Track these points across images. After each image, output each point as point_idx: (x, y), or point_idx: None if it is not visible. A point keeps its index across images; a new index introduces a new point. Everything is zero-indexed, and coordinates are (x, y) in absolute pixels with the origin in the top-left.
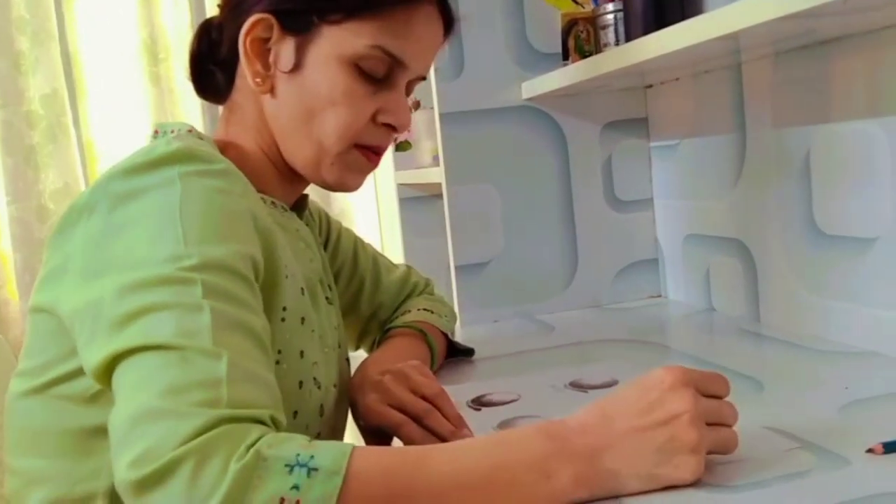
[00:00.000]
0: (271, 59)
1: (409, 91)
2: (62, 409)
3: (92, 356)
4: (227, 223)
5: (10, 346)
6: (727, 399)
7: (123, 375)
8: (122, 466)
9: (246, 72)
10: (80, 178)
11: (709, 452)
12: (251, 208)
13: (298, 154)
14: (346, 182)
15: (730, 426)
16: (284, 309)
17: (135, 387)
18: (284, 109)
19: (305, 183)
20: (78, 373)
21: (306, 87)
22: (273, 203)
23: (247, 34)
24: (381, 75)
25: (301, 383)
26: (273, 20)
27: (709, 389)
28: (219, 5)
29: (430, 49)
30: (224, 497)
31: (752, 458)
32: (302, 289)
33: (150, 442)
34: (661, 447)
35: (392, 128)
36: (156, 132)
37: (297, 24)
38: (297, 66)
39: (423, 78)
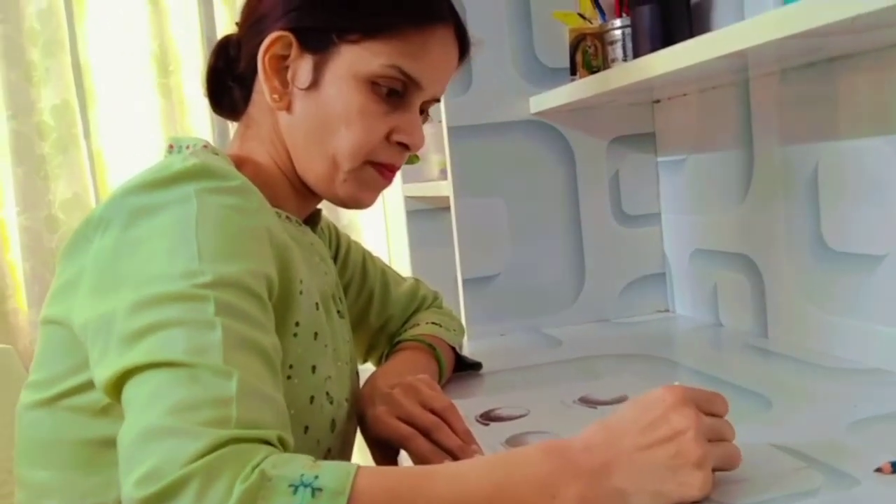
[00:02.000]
0: (289, 75)
1: (423, 112)
2: (72, 420)
3: (103, 371)
4: (242, 241)
5: (19, 356)
6: (725, 418)
7: (133, 392)
8: (129, 484)
9: (263, 88)
10: (89, 188)
11: (714, 469)
12: (267, 225)
13: (312, 170)
14: (359, 198)
15: (731, 442)
16: (297, 324)
17: (144, 404)
18: (300, 125)
19: (319, 197)
20: (88, 385)
21: (323, 104)
22: (288, 218)
23: (266, 51)
24: (396, 95)
25: (312, 398)
26: (292, 38)
27: (708, 408)
28: (237, 23)
29: (445, 71)
30: None
31: (759, 477)
32: (316, 303)
33: (157, 460)
34: (666, 464)
35: (405, 147)
36: (170, 147)
37: (316, 43)
38: (314, 84)
39: (438, 100)
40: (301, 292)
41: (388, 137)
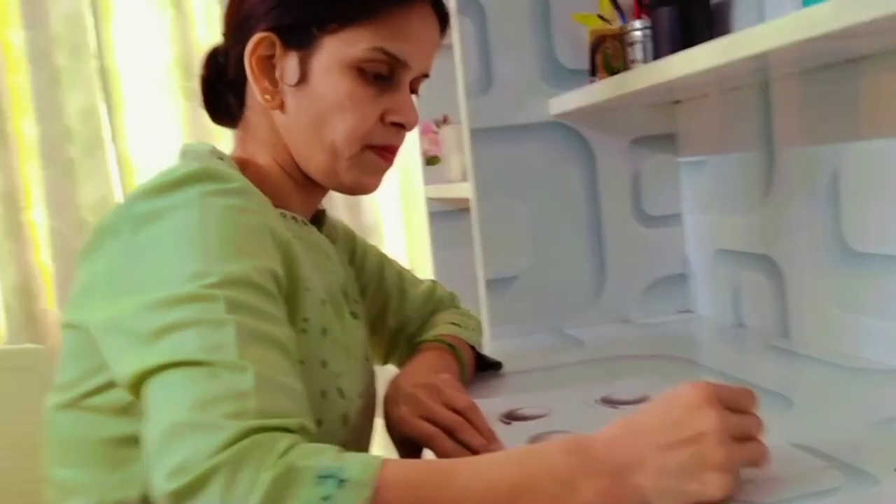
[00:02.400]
0: (277, 74)
1: (414, 89)
2: (94, 420)
3: (122, 370)
4: (245, 240)
5: (50, 355)
6: (755, 413)
7: (154, 392)
8: (160, 478)
9: (255, 90)
10: (116, 191)
11: (741, 467)
12: (268, 224)
13: (314, 162)
14: (364, 183)
15: (758, 439)
16: (305, 320)
17: (166, 402)
18: (295, 121)
19: (322, 193)
20: (108, 386)
21: (314, 97)
22: (293, 218)
23: (251, 54)
24: (384, 76)
25: (323, 393)
26: (275, 37)
27: (736, 405)
28: (222, 33)
29: (428, 46)
30: None
31: (781, 476)
32: (323, 300)
33: (184, 454)
34: (687, 465)
35: (401, 126)
36: (183, 153)
37: (298, 39)
38: (302, 79)
39: (426, 75)
40: (307, 289)
41: (382, 119)
